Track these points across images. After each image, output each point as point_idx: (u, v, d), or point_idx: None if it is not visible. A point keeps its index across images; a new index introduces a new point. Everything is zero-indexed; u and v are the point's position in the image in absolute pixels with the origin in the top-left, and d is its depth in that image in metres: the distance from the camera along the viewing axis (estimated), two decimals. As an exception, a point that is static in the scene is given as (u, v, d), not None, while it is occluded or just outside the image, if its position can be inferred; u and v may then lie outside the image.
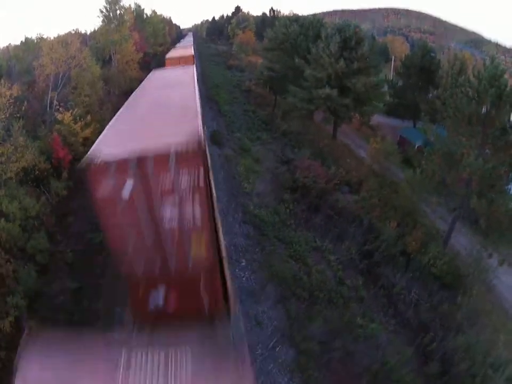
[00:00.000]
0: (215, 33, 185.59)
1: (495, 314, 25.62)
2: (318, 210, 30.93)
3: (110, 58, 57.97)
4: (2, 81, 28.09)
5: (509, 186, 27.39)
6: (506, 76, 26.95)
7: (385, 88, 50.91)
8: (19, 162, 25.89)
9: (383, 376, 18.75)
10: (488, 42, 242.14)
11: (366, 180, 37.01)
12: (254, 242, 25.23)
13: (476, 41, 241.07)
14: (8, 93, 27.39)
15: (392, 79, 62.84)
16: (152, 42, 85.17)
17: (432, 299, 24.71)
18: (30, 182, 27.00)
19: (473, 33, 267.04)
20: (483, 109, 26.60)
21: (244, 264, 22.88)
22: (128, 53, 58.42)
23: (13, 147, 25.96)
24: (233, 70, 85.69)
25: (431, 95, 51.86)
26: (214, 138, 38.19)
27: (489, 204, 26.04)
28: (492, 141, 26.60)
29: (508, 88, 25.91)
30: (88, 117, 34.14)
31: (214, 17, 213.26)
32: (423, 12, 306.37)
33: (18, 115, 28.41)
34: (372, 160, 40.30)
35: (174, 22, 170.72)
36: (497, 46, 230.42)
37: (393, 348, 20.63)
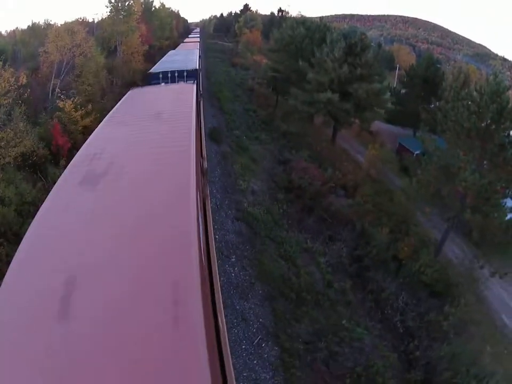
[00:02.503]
0: (222, 30, 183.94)
1: (484, 325, 25.69)
2: (312, 212, 30.96)
3: (115, 48, 57.40)
4: (7, 66, 28.11)
5: (505, 200, 27.34)
6: (510, 92, 26.98)
7: (388, 95, 50.80)
8: (18, 148, 25.70)
9: (366, 379, 18.81)
10: (495, 56, 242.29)
11: (362, 185, 37.05)
12: (245, 240, 25.09)
13: (482, 55, 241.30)
14: (12, 79, 27.41)
15: (395, 87, 62.85)
16: (158, 35, 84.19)
17: (420, 306, 24.76)
18: (27, 168, 26.77)
19: (481, 46, 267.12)
20: (483, 123, 26.61)
21: (233, 260, 22.83)
22: (133, 44, 57.91)
23: (12, 132, 25.75)
24: (237, 68, 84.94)
25: (433, 105, 51.74)
26: (213, 135, 38.06)
27: (484, 217, 26.09)
28: (489, 157, 26.72)
29: (510, 106, 25.92)
30: (89, 106, 33.96)
31: (222, 14, 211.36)
32: (431, 21, 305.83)
33: (20, 101, 28.31)
34: (369, 166, 40.31)
35: (182, 16, 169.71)
36: (503, 60, 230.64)
37: (378, 352, 20.70)
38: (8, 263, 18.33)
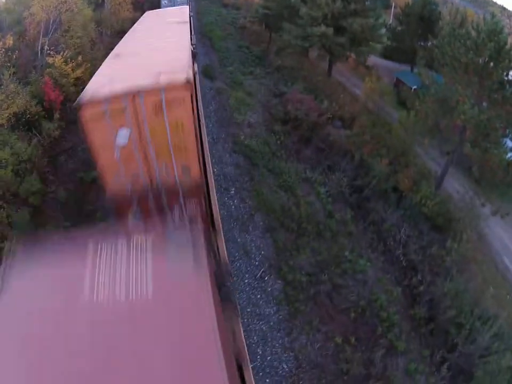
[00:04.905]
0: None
1: (485, 265, 25.59)
2: (309, 142, 30.70)
3: (103, 1, 55.75)
4: None
5: (505, 139, 26.79)
6: (509, 39, 26.23)
7: (383, 31, 49.75)
8: (10, 109, 25.68)
9: (370, 313, 18.55)
10: (494, 4, 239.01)
11: (359, 117, 36.65)
12: (243, 172, 24.97)
13: (480, 1, 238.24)
14: (-1, 43, 27.29)
15: (391, 24, 61.62)
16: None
17: (422, 239, 24.53)
18: (21, 127, 26.57)
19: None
20: (480, 60, 25.85)
21: (233, 192, 22.75)
22: (121, -7, 56.52)
23: (3, 95, 25.75)
24: (228, 8, 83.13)
25: (430, 43, 50.84)
26: (206, 72, 37.76)
27: (483, 153, 25.72)
28: (488, 94, 26.13)
29: (508, 47, 25.19)
30: (80, 58, 33.54)
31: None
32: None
33: (9, 64, 28.31)
34: (367, 98, 39.56)
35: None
36: (503, 9, 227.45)
37: (381, 286, 20.61)
38: (9, 223, 17.59)
